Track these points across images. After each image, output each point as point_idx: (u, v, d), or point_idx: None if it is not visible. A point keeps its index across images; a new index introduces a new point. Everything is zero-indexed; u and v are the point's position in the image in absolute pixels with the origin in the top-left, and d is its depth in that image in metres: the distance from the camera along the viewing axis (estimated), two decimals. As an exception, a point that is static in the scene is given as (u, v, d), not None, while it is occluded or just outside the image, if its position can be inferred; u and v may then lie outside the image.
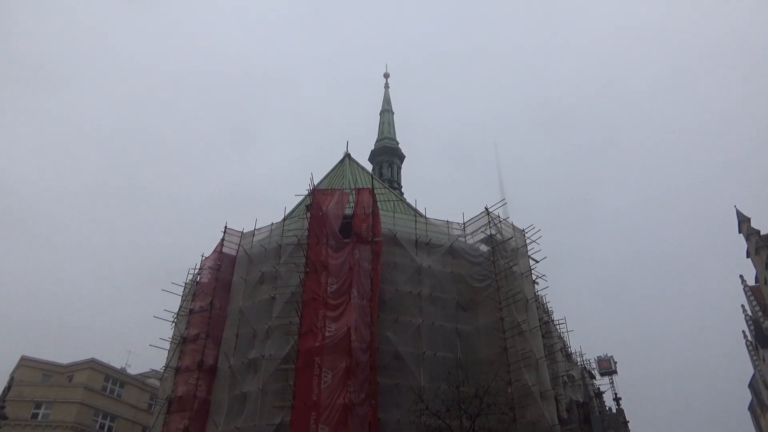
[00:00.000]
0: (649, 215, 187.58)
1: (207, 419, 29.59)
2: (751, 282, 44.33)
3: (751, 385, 55.57)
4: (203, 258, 35.17)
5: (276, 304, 30.34)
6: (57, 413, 39.90)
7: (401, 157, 56.55)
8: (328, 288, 28.39)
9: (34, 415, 39.72)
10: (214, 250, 34.79)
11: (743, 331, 50.59)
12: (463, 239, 34.41)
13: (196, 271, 35.47)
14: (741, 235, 41.98)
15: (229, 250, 34.77)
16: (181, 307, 35.40)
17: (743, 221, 41.87)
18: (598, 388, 54.54)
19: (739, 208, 42.74)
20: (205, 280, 33.99)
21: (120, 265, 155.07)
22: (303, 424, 24.67)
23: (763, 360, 42.45)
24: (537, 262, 34.67)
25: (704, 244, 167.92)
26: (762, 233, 39.61)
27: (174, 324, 35.27)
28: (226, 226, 35.09)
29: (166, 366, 33.50)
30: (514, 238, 33.90)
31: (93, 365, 43.87)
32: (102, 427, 41.75)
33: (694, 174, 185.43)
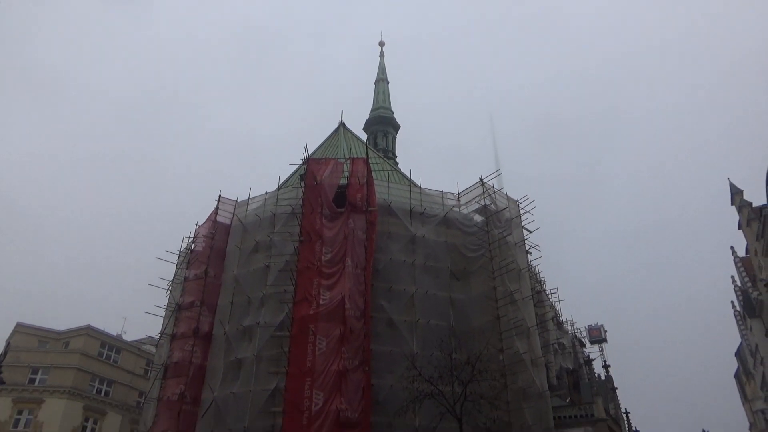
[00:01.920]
0: (644, 189, 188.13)
1: (203, 384, 30.02)
2: (741, 253, 44.80)
3: (738, 354, 56.68)
4: (197, 226, 35.19)
5: (270, 272, 30.52)
6: (54, 378, 40.27)
7: (396, 127, 56.21)
8: (323, 257, 28.54)
9: (31, 380, 40.10)
10: (208, 219, 34.77)
11: (732, 302, 51.38)
12: (458, 209, 34.49)
13: (191, 239, 35.54)
14: (734, 207, 42.22)
15: (224, 218, 34.76)
16: (175, 275, 35.56)
17: (736, 193, 42.04)
18: (588, 355, 55.55)
19: (732, 181, 42.92)
20: (199, 248, 34.07)
21: (113, 233, 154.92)
22: (298, 390, 25.09)
23: (750, 329, 43.15)
24: (530, 232, 34.89)
25: (698, 217, 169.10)
26: (754, 205, 39.79)
27: (169, 292, 35.48)
28: (220, 195, 35.03)
29: (162, 333, 33.82)
30: (508, 209, 34.00)
31: (89, 332, 44.11)
32: (99, 391, 42.19)
33: (690, 149, 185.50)
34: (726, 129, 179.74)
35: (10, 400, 38.66)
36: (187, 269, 33.84)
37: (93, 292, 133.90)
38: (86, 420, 40.74)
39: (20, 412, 38.88)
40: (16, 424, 38.42)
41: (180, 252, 36.21)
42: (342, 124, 43.99)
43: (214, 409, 28.45)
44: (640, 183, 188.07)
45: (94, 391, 42.17)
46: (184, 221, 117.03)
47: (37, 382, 40.29)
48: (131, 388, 44.54)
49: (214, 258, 33.25)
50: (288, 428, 24.44)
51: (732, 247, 46.34)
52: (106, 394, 42.87)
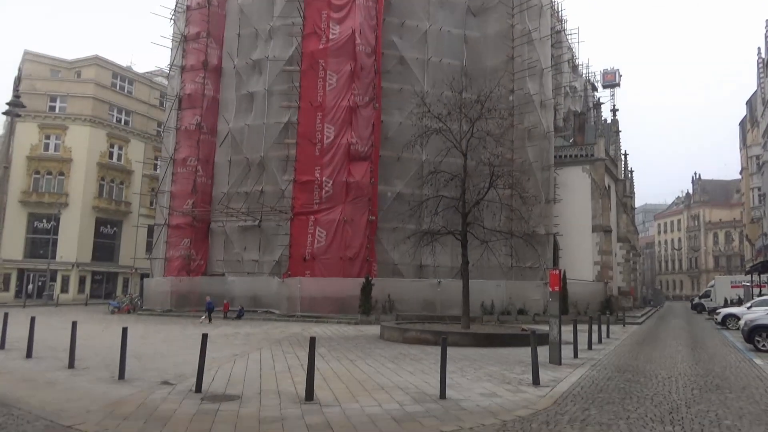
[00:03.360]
0: None
1: (218, 116, 30.96)
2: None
3: (749, 102, 56.56)
4: (193, -53, 32.18)
5: (276, 2, 28.93)
6: (73, 107, 41.37)
7: None
8: (331, -14, 26.70)
9: (51, 108, 41.30)
10: (205, -62, 31.65)
11: (759, 48, 49.44)
12: (481, -67, 31.01)
13: (187, -40, 32.85)
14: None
15: (221, -63, 31.65)
16: (177, 3, 33.79)
17: None
18: (599, 99, 55.74)
19: None
20: (197, -27, 31.76)
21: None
22: (309, 123, 25.91)
23: (769, 78, 42.29)
24: (559, -37, 31.87)
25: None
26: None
27: (173, 21, 34.17)
28: None
29: (171, 64, 33.54)
30: (537, -67, 30.58)
31: (98, 62, 43.77)
32: (119, 121, 43.78)
33: None
34: None
35: (35, 125, 40.37)
36: (188, -4, 32.06)
37: (94, 20, 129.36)
38: (111, 146, 43.10)
39: (48, 137, 40.95)
40: (46, 148, 40.80)
41: (178, -23, 33.81)
42: None
43: (230, 140, 29.83)
44: None
45: (114, 120, 43.72)
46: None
47: (57, 110, 41.51)
48: (149, 119, 46.04)
49: (216, -14, 31.20)
50: (301, 158, 25.91)
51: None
52: (126, 123, 44.52)
